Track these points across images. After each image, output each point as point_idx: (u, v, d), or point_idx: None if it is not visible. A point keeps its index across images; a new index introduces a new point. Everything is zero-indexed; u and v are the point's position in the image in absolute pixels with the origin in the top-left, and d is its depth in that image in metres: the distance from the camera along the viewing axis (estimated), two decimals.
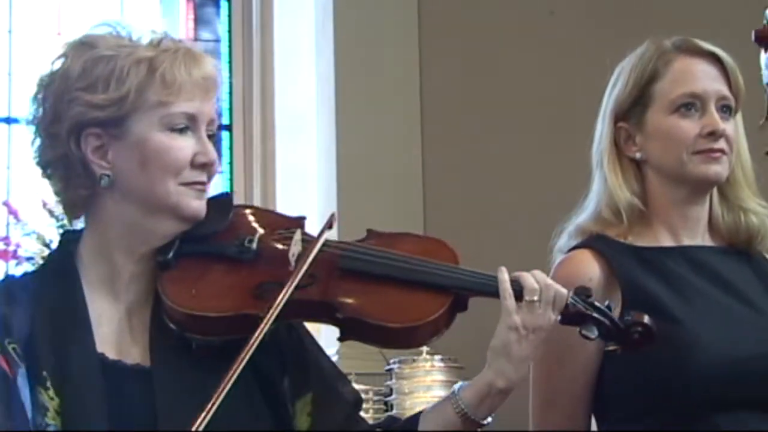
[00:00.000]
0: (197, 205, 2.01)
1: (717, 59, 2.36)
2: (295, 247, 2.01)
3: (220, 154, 5.60)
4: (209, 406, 1.81)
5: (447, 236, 5.33)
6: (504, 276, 2.00)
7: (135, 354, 1.99)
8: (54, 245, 4.59)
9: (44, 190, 5.18)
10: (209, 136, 2.04)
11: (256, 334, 1.88)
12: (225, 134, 5.63)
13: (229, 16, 5.66)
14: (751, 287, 2.34)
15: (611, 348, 2.04)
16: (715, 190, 2.40)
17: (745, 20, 2.96)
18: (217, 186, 5.56)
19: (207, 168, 2.02)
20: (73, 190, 2.03)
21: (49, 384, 1.91)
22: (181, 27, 5.62)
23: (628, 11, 5.20)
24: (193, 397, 1.89)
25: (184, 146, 1.99)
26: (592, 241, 2.36)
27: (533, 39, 5.24)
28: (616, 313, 2.25)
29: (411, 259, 2.03)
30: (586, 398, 2.32)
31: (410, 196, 5.09)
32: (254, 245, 2.02)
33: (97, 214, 2.04)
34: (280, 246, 2.03)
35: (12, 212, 4.78)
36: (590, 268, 2.32)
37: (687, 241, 2.37)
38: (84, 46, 2.04)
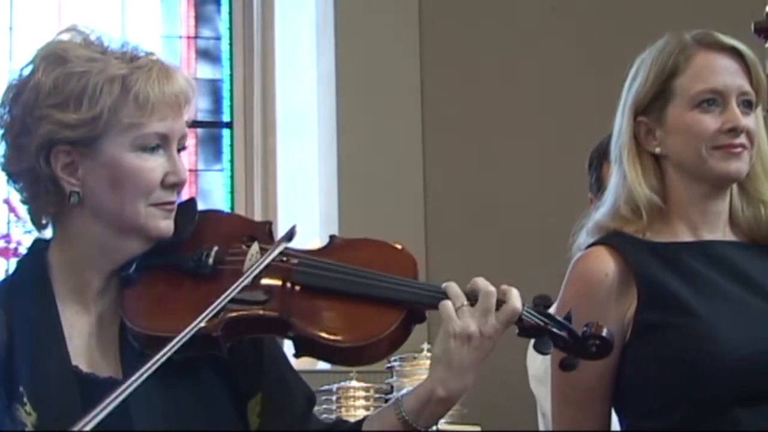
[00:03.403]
0: (165, 226, 1.99)
1: (738, 53, 2.35)
2: (251, 261, 1.99)
3: (220, 152, 5.63)
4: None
5: (446, 232, 5.33)
6: (452, 284, 1.96)
7: (106, 367, 1.98)
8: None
9: None
10: (181, 149, 2.02)
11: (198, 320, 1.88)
12: (226, 132, 5.64)
13: (230, 13, 5.67)
14: None
15: (568, 361, 2.00)
16: (734, 184, 2.39)
17: (745, 12, 2.95)
18: (218, 183, 5.58)
19: (177, 187, 2.00)
20: (41, 204, 2.01)
21: (25, 399, 1.90)
22: (181, 25, 5.62)
23: (629, 6, 5.20)
24: (167, 409, 1.90)
25: (156, 167, 1.97)
26: (609, 238, 2.35)
27: (535, 36, 5.24)
28: (630, 313, 2.24)
29: (365, 273, 1.99)
30: (606, 394, 2.32)
31: (411, 193, 5.09)
32: (211, 260, 2.00)
33: (65, 228, 2.02)
34: (236, 260, 2.01)
35: (13, 210, 4.79)
36: (606, 265, 2.31)
37: (707, 236, 2.36)
38: (55, 58, 1.97)
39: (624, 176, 2.37)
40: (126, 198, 1.95)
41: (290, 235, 2.01)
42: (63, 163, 1.96)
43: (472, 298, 1.95)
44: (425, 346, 4.02)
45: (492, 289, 1.94)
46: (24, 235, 4.75)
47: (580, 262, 2.34)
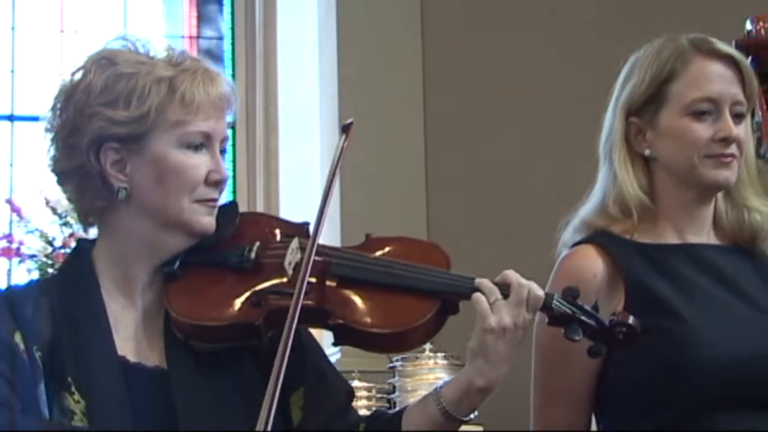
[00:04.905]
0: (207, 222, 2.09)
1: (734, 62, 2.37)
2: (291, 256, 2.09)
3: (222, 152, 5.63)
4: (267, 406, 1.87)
5: (448, 233, 5.33)
6: (484, 280, 2.04)
7: (153, 357, 2.06)
8: (57, 243, 4.65)
9: (47, 188, 5.18)
10: (222, 152, 2.12)
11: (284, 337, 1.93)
12: (228, 132, 5.63)
13: (232, 13, 5.67)
14: (754, 286, 2.35)
15: (595, 348, 2.06)
16: None
17: (726, 29, 2.95)
18: None
19: (219, 185, 2.10)
20: (89, 201, 2.09)
21: (73, 389, 1.98)
22: (183, 25, 5.63)
23: (630, 8, 5.21)
24: (209, 397, 2.00)
25: (199, 164, 2.07)
26: (597, 237, 2.36)
27: (535, 37, 5.24)
28: (619, 308, 2.26)
29: (401, 264, 2.08)
30: (588, 396, 2.33)
31: (413, 193, 5.09)
32: (253, 255, 2.09)
33: (111, 224, 2.10)
34: (277, 255, 2.10)
35: (15, 210, 4.79)
36: (594, 264, 2.32)
37: (692, 239, 2.38)
38: (105, 61, 2.08)
39: (614, 176, 2.38)
40: (171, 193, 2.05)
41: (346, 131, 2.14)
42: (112, 160, 2.06)
43: (504, 290, 2.03)
44: (427, 346, 4.02)
45: (524, 281, 2.03)
46: (26, 235, 4.75)
47: (568, 261, 2.35)
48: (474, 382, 2.03)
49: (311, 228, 2.12)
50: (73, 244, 4.67)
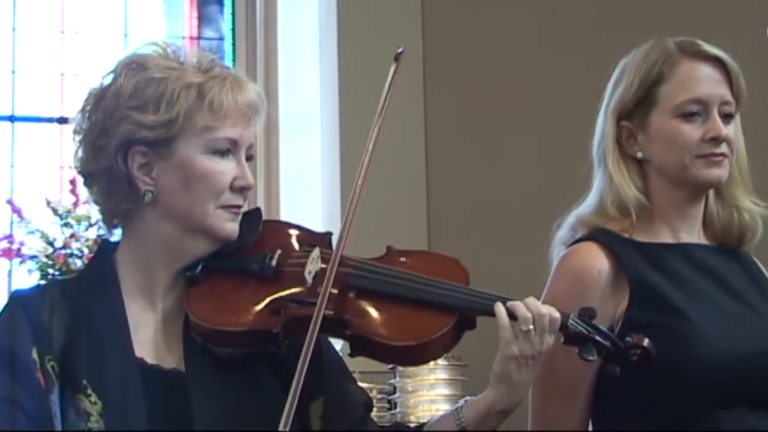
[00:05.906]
0: (231, 228, 2.11)
1: (721, 63, 2.39)
2: (312, 265, 2.10)
3: None
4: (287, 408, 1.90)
5: (448, 233, 5.32)
6: (500, 309, 2.06)
7: (171, 360, 2.08)
8: (58, 243, 4.65)
9: (47, 188, 5.16)
10: (247, 159, 2.15)
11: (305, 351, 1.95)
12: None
13: (233, 14, 5.67)
14: (744, 286, 2.38)
15: (609, 369, 2.08)
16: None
17: (748, 18, 2.96)
18: None
19: (244, 191, 2.14)
20: (115, 203, 2.12)
21: (90, 391, 2.00)
22: (184, 25, 5.63)
23: (630, 8, 5.21)
24: (225, 401, 2.03)
25: (226, 170, 2.10)
26: (598, 234, 2.38)
27: (535, 37, 5.24)
28: (621, 310, 2.27)
29: (419, 278, 2.10)
30: (587, 390, 2.35)
31: (413, 193, 5.09)
32: (274, 262, 2.11)
33: (135, 226, 2.12)
34: (298, 263, 2.12)
35: (16, 210, 4.79)
36: (598, 260, 2.34)
37: (685, 238, 2.41)
38: (136, 65, 2.11)
39: (610, 179, 2.40)
40: (196, 198, 2.08)
41: (399, 56, 2.24)
42: (139, 163, 2.08)
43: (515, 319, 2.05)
44: None
45: (545, 310, 2.05)
46: (27, 236, 4.76)
47: (570, 257, 2.37)
48: (495, 406, 2.07)
49: (337, 229, 2.14)
50: (74, 245, 4.70)
